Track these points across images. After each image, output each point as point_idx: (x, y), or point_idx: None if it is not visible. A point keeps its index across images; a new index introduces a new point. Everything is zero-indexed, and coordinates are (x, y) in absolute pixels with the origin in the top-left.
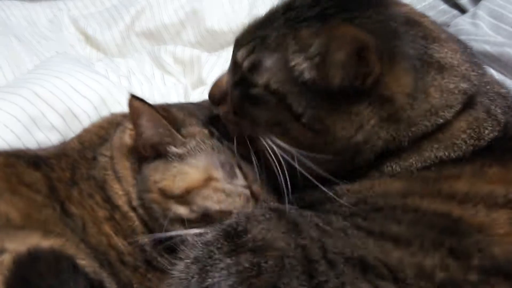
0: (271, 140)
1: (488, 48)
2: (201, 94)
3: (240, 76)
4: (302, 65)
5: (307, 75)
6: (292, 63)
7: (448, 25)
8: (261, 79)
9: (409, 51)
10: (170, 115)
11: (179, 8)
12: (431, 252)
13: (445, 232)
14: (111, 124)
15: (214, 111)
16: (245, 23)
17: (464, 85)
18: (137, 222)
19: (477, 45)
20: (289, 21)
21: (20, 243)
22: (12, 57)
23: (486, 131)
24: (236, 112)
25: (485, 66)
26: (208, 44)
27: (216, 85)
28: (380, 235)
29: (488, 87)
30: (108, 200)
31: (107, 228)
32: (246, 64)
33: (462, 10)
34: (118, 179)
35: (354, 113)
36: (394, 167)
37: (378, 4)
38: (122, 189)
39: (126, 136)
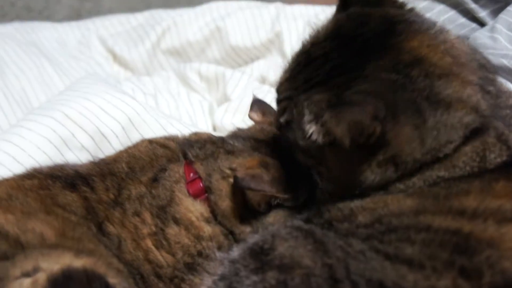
0: None
1: (505, 62)
2: (225, 111)
3: (280, 127)
4: (315, 132)
5: (320, 140)
6: (307, 128)
7: (468, 38)
8: (291, 136)
9: (411, 98)
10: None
11: (203, 26)
12: (444, 273)
13: (456, 251)
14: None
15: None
16: (268, 39)
17: (468, 118)
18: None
19: (495, 59)
20: (306, 82)
21: (54, 262)
22: (44, 78)
23: (493, 155)
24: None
25: (507, 89)
26: (233, 61)
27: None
28: (396, 258)
29: (508, 111)
30: (165, 216)
31: (149, 243)
32: (282, 120)
33: (481, 24)
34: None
35: (363, 163)
36: (398, 186)
37: (381, 52)
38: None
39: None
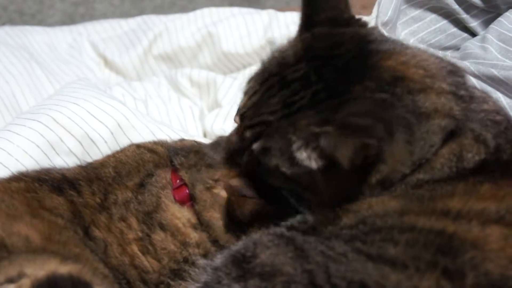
0: None
1: (495, 72)
2: (215, 117)
3: (251, 153)
4: (308, 157)
5: (314, 165)
6: (298, 155)
7: (458, 48)
8: (271, 163)
9: (401, 115)
10: None
11: (195, 32)
12: (427, 274)
13: (440, 251)
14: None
15: None
16: (260, 46)
17: (444, 122)
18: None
19: (484, 69)
20: (286, 107)
21: (39, 268)
22: (34, 82)
23: (470, 155)
24: (248, 167)
25: (481, 94)
26: (224, 67)
27: (228, 143)
28: (379, 258)
29: (482, 114)
30: (151, 222)
31: (135, 248)
32: (256, 147)
33: (473, 34)
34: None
35: (353, 182)
36: (380, 191)
37: (363, 73)
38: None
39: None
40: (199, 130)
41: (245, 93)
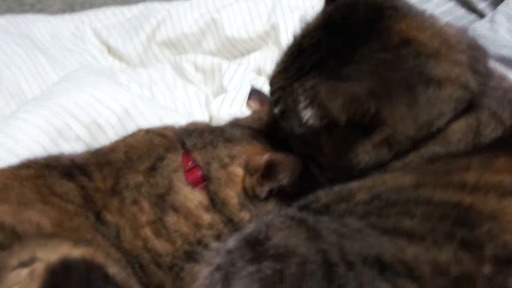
0: None
1: (504, 53)
2: (221, 102)
3: (274, 119)
4: (310, 116)
5: (317, 123)
6: (303, 115)
7: (467, 30)
8: (287, 126)
9: (403, 77)
10: None
11: (199, 18)
12: (445, 246)
13: (457, 223)
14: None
15: None
16: (264, 31)
17: (458, 93)
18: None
19: (495, 50)
20: (299, 70)
21: (51, 252)
22: (38, 71)
23: (487, 131)
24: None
25: (498, 73)
26: (228, 52)
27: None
28: (395, 232)
29: (501, 92)
30: (163, 205)
31: (148, 231)
32: (276, 111)
33: (481, 15)
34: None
35: (358, 145)
36: (395, 164)
37: (371, 36)
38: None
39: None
40: (205, 115)
41: (275, 64)
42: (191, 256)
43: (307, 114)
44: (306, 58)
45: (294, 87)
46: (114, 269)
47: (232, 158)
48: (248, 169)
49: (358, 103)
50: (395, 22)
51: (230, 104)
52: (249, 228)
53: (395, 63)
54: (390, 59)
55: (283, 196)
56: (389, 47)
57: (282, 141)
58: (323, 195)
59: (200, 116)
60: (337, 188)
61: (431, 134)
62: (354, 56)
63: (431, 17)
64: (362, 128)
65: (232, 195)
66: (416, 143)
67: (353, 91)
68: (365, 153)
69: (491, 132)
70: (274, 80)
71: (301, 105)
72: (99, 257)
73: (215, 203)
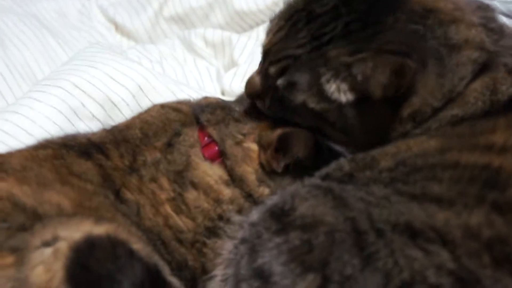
0: None
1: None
2: (233, 76)
3: (275, 90)
4: (337, 89)
5: (343, 98)
6: (327, 88)
7: None
8: (298, 99)
9: (434, 46)
10: None
11: None
12: (476, 209)
13: (486, 185)
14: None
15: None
16: (273, 1)
17: (475, 55)
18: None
19: (502, 6)
20: (315, 39)
21: (74, 230)
22: (46, 50)
23: (504, 87)
24: (272, 109)
25: (510, 30)
26: (238, 25)
27: (250, 85)
28: (423, 197)
29: None
30: (182, 181)
31: (168, 208)
32: (281, 82)
33: None
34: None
35: (385, 116)
36: (415, 131)
37: (394, 5)
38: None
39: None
40: (217, 90)
41: (269, 31)
42: (213, 232)
43: (332, 87)
44: (323, 26)
45: (311, 57)
46: (137, 245)
47: (245, 134)
48: (261, 144)
49: (404, 76)
50: None
51: (242, 78)
52: (273, 200)
53: (424, 34)
54: (420, 30)
55: (301, 169)
56: (416, 17)
57: (273, 112)
58: (346, 163)
59: (212, 90)
60: (360, 155)
61: (451, 99)
62: (382, 27)
63: None
64: (392, 102)
65: (249, 170)
66: (436, 110)
67: (400, 62)
68: (393, 128)
69: (508, 88)
70: (275, 48)
71: (324, 78)
72: (122, 233)
73: (233, 179)
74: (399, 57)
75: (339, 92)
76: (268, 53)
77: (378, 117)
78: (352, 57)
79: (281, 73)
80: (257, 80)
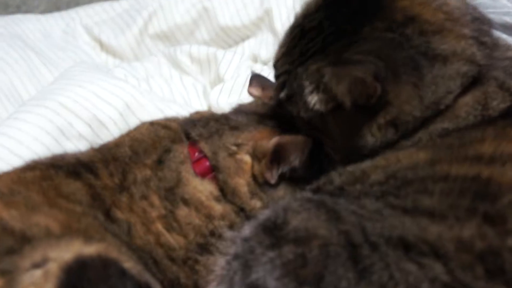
0: None
1: (508, 19)
2: (220, 91)
3: (280, 103)
4: (316, 100)
5: (323, 108)
6: (309, 100)
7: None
8: (294, 110)
9: (409, 56)
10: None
11: (190, 8)
12: (468, 221)
13: (477, 197)
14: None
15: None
16: (258, 17)
17: (465, 68)
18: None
19: (497, 18)
20: (302, 54)
21: (63, 251)
22: (32, 70)
23: (495, 102)
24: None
25: (504, 43)
26: (223, 41)
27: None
28: (415, 211)
29: (506, 62)
30: (173, 198)
31: (159, 226)
32: (282, 96)
33: None
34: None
35: (362, 124)
36: (405, 143)
37: (374, 15)
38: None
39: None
40: (204, 106)
41: (278, 46)
42: (205, 248)
43: (313, 99)
44: (309, 41)
45: (298, 72)
46: (128, 264)
47: (239, 145)
48: (256, 155)
49: (363, 86)
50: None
51: (229, 93)
52: (265, 214)
53: (400, 43)
54: (395, 38)
55: (293, 182)
56: (394, 26)
57: (288, 125)
58: (336, 177)
59: (199, 107)
60: (350, 168)
61: (440, 112)
62: (358, 37)
63: None
64: (367, 110)
65: (242, 183)
66: (425, 121)
67: (357, 74)
68: (371, 135)
69: (499, 103)
70: (279, 64)
71: (307, 90)
72: (113, 252)
73: (225, 193)
74: (360, 68)
75: (319, 102)
76: (275, 68)
77: (355, 124)
78: (324, 69)
79: (282, 87)
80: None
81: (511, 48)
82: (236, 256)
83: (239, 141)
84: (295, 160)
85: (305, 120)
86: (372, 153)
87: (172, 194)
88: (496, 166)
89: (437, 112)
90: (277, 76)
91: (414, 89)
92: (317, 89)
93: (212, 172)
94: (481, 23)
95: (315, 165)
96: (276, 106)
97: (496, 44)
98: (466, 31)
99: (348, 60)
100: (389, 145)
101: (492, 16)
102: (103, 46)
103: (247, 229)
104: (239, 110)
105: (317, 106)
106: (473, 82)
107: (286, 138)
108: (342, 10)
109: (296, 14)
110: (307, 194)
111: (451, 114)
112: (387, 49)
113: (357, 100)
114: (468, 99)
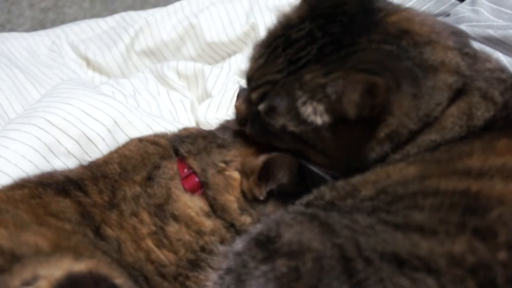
0: None
1: (492, 32)
2: (207, 107)
3: (257, 115)
4: (313, 112)
5: (319, 120)
6: (303, 111)
7: (448, 15)
8: (277, 123)
9: (408, 67)
10: None
11: (177, 24)
12: (458, 236)
13: (466, 212)
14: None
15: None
16: (244, 32)
17: (451, 79)
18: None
19: (480, 31)
20: (291, 64)
21: (54, 268)
22: (18, 88)
23: (479, 112)
24: (257, 134)
25: (482, 54)
26: (209, 57)
27: (237, 112)
28: (406, 227)
29: (487, 73)
30: (163, 214)
31: (149, 243)
32: (261, 108)
33: None
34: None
35: (362, 137)
36: (394, 157)
37: (368, 27)
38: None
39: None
40: (191, 122)
41: (251, 58)
42: (195, 264)
43: (308, 110)
44: (299, 50)
45: (288, 81)
46: (119, 280)
47: (227, 162)
48: (244, 171)
49: (377, 93)
50: (387, 14)
51: (216, 109)
52: (257, 228)
53: (399, 55)
54: (394, 50)
55: (283, 198)
56: (390, 39)
57: (258, 138)
58: (327, 192)
59: (187, 122)
60: (340, 183)
61: (428, 124)
62: (356, 48)
63: (411, 9)
64: (368, 123)
65: (231, 199)
66: (413, 134)
67: (373, 80)
68: (371, 149)
69: (483, 113)
70: (255, 75)
71: (300, 101)
72: (103, 268)
73: (215, 209)
74: (371, 75)
75: (315, 114)
76: (250, 79)
77: (355, 138)
78: (326, 78)
79: (262, 98)
80: (243, 106)
81: (489, 60)
82: (228, 271)
83: (227, 158)
84: (283, 177)
85: (291, 134)
86: (363, 167)
87: (162, 210)
88: (484, 179)
89: (425, 125)
90: (254, 88)
91: (413, 101)
92: (312, 99)
93: (202, 188)
94: (460, 36)
95: (304, 182)
96: (241, 120)
97: (476, 56)
98: (450, 43)
99: (356, 69)
100: (380, 159)
101: (475, 29)
102: (89, 63)
103: (239, 243)
104: (226, 126)
105: (312, 118)
106: (458, 93)
107: (274, 156)
108: (333, 22)
109: (271, 27)
110: (300, 207)
111: (438, 126)
112: (387, 59)
113: (363, 111)
114: (453, 110)
